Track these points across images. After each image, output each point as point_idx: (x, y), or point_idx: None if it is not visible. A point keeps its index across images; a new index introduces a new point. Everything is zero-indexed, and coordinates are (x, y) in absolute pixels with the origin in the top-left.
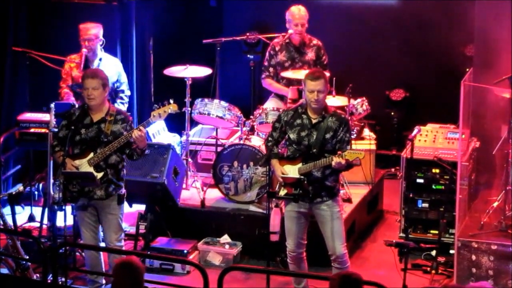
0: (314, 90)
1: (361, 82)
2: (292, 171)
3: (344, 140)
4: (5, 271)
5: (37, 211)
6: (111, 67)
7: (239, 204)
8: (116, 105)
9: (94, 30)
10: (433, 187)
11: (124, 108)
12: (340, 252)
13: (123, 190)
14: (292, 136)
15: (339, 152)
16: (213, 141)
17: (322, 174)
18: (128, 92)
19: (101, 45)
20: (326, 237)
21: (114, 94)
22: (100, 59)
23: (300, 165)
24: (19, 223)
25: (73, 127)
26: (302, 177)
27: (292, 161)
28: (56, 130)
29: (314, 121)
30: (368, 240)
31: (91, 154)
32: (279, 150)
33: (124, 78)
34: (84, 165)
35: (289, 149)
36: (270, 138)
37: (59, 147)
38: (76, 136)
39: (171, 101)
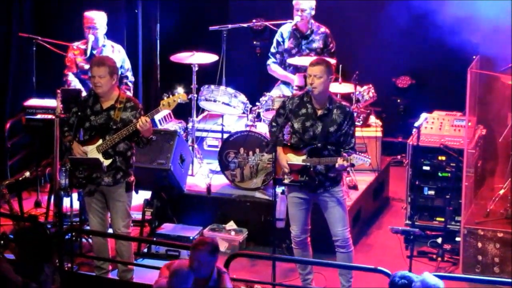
0: (311, 75)
1: (367, 69)
2: (295, 161)
3: (349, 134)
4: (11, 256)
5: (43, 197)
6: (114, 54)
7: (245, 191)
8: None
9: (97, 19)
10: (439, 174)
11: (130, 94)
12: (344, 237)
13: (132, 178)
14: (297, 125)
15: (344, 155)
16: (219, 127)
17: (325, 166)
18: (132, 78)
19: (104, 33)
20: (330, 222)
21: (119, 80)
22: (104, 46)
23: (304, 157)
24: (25, 209)
25: (79, 113)
26: (308, 164)
27: (296, 150)
28: (62, 116)
29: (319, 113)
30: (374, 227)
31: (100, 141)
32: (285, 137)
33: (127, 64)
34: (92, 151)
35: (292, 138)
36: (274, 124)
37: (68, 132)
38: (86, 123)
39: (181, 90)
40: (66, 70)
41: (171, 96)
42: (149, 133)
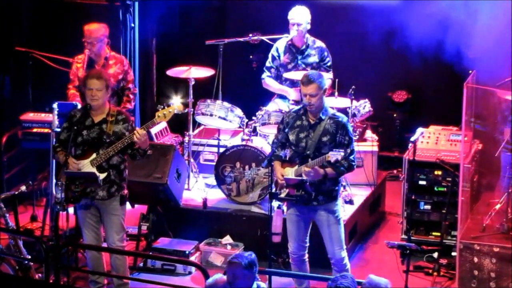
0: (306, 94)
1: (363, 84)
2: (290, 173)
3: (343, 144)
4: (7, 271)
5: (39, 211)
6: (117, 65)
7: (241, 205)
8: (122, 103)
9: (97, 33)
10: (435, 189)
11: (130, 106)
12: (339, 257)
13: (125, 191)
14: (291, 137)
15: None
16: (215, 142)
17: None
18: (134, 90)
19: (107, 44)
20: (326, 241)
21: (121, 92)
22: (106, 58)
23: (296, 167)
24: (21, 223)
25: (77, 127)
26: (304, 178)
27: (291, 163)
28: (59, 130)
29: (312, 123)
30: (370, 242)
31: (94, 155)
32: (286, 153)
33: (130, 77)
34: (86, 165)
35: (290, 152)
36: (275, 140)
37: (60, 148)
38: (78, 138)
39: (177, 101)
40: (69, 84)
41: (166, 107)
42: (146, 145)
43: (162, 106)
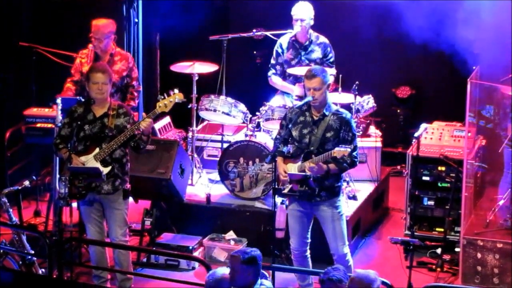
0: (310, 88)
1: (367, 80)
2: (293, 169)
3: (347, 140)
4: (13, 263)
5: (43, 206)
6: (122, 62)
7: (245, 201)
8: (126, 101)
9: (105, 29)
10: (439, 184)
11: (134, 104)
12: (342, 252)
13: (128, 185)
14: (294, 133)
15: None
16: (219, 137)
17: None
18: (138, 88)
19: (113, 40)
20: (328, 237)
21: (125, 89)
22: (111, 55)
23: (299, 163)
24: (24, 218)
25: (79, 122)
26: (308, 174)
27: (294, 159)
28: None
29: (315, 119)
30: (373, 238)
31: (97, 150)
32: (289, 149)
33: (135, 73)
34: (90, 161)
35: (293, 147)
36: (278, 136)
37: (62, 144)
38: (80, 133)
39: (176, 90)
40: (68, 78)
41: (166, 97)
42: (149, 131)
43: (162, 96)
